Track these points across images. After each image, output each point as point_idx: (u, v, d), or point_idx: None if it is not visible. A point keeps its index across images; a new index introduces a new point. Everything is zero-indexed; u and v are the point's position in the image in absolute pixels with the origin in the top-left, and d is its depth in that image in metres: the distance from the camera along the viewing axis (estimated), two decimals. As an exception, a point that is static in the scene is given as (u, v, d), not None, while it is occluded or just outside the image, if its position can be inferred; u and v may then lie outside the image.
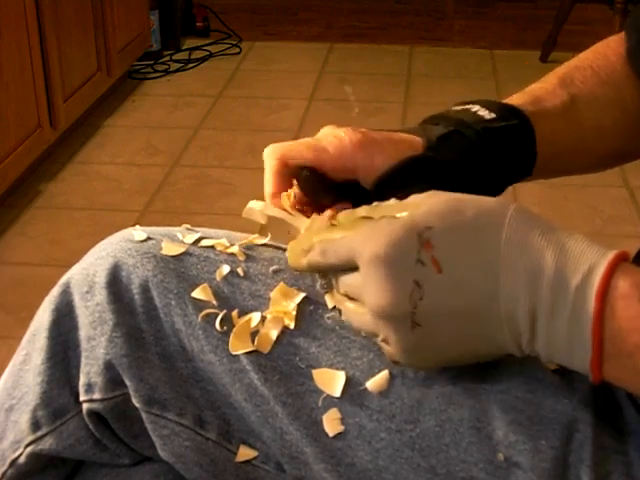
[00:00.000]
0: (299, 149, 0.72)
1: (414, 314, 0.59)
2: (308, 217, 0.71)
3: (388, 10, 4.25)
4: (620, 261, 0.56)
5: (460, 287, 0.58)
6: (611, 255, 0.56)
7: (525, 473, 0.66)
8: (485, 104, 0.75)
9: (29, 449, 0.78)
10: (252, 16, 4.18)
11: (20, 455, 0.79)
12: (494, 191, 0.76)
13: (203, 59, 3.72)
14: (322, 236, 0.65)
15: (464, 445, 0.67)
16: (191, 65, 3.66)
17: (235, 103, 3.28)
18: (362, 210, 0.65)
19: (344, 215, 0.67)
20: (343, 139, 0.72)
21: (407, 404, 0.69)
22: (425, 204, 0.60)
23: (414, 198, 0.62)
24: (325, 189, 0.72)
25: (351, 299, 0.64)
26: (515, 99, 0.79)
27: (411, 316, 0.59)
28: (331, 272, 0.66)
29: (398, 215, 0.61)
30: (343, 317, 0.67)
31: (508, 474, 0.66)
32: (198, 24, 3.92)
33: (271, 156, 0.73)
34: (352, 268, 0.63)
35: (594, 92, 0.82)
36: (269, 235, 0.82)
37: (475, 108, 0.74)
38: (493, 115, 0.74)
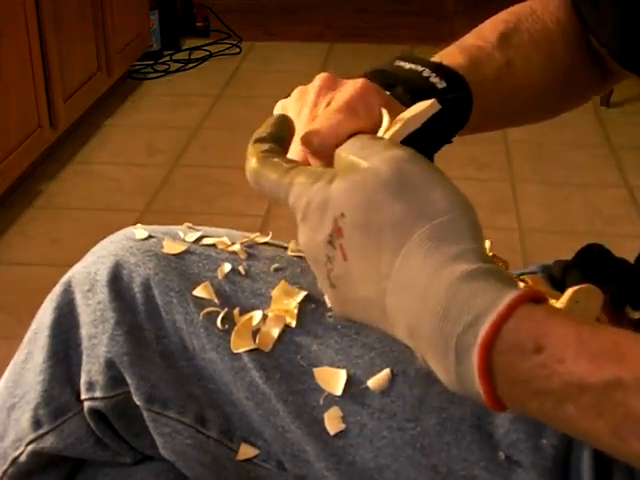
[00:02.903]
0: (340, 123, 0.64)
1: (328, 277, 0.57)
2: None
3: (388, 10, 4.26)
4: (518, 304, 0.49)
5: (359, 283, 0.55)
6: (506, 300, 0.49)
7: (526, 472, 0.66)
8: (433, 69, 0.74)
9: (30, 447, 0.78)
10: (252, 16, 4.18)
11: (21, 454, 0.79)
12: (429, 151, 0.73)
13: (203, 59, 3.72)
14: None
15: (465, 443, 0.67)
16: (191, 65, 3.66)
17: (235, 103, 3.29)
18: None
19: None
20: (371, 95, 0.67)
21: (408, 402, 0.69)
22: (351, 185, 0.55)
23: (370, 158, 0.56)
24: None
25: None
26: (457, 57, 0.78)
27: (327, 277, 0.57)
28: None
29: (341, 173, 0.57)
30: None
31: (509, 472, 0.66)
32: (198, 24, 3.92)
33: (321, 152, 0.63)
34: None
35: (529, 56, 0.83)
36: (270, 234, 0.82)
37: (426, 73, 0.73)
38: (444, 85, 0.73)
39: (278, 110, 0.71)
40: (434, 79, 0.73)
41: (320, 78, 0.69)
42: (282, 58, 3.72)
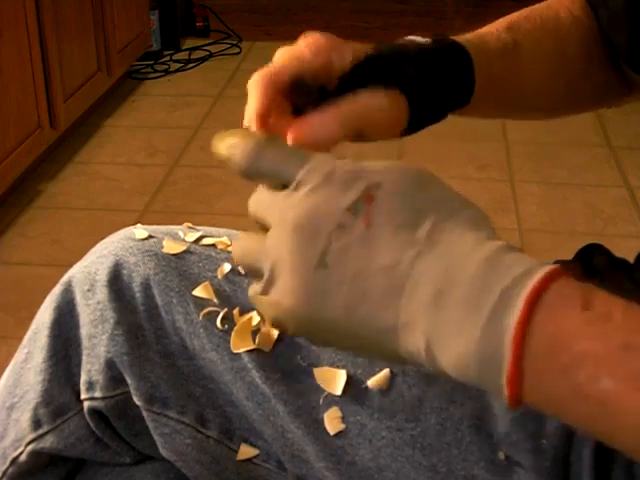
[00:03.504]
0: (283, 64, 0.66)
1: (325, 253, 0.52)
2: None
3: (388, 10, 4.25)
4: (562, 273, 0.48)
5: (379, 249, 0.51)
6: (551, 266, 0.48)
7: (526, 472, 0.66)
8: (419, 35, 0.73)
9: (30, 447, 0.78)
10: (252, 16, 4.18)
11: (21, 453, 0.78)
12: (435, 116, 0.73)
13: (203, 59, 3.72)
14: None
15: (465, 443, 0.67)
16: (191, 65, 3.66)
17: (235, 103, 3.28)
18: None
19: None
20: (318, 39, 0.67)
21: (408, 402, 0.69)
22: (391, 164, 0.54)
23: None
24: (312, 93, 0.68)
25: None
26: (461, 37, 0.77)
27: (321, 253, 0.52)
28: (254, 177, 0.58)
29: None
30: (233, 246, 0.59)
31: (509, 473, 0.66)
32: (198, 24, 3.92)
33: (259, 82, 0.66)
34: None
35: (538, 40, 0.82)
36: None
37: (410, 37, 0.72)
38: (429, 41, 0.71)
39: None
40: (419, 39, 0.71)
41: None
42: (282, 58, 3.72)
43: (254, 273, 0.56)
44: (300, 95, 0.67)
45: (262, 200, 0.58)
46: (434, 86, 0.70)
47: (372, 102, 0.66)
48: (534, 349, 0.46)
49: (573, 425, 0.49)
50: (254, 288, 0.56)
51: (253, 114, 0.65)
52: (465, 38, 0.76)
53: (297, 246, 0.53)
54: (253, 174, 0.58)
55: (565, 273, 0.48)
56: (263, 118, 0.64)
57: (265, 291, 0.54)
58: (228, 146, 0.59)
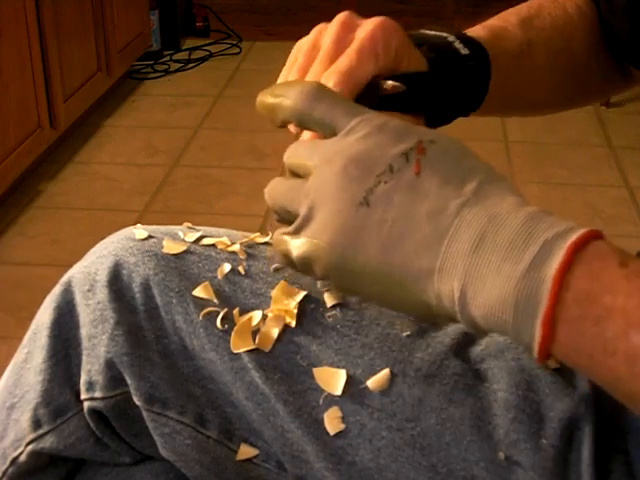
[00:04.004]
0: (366, 67, 0.65)
1: (371, 191, 0.53)
2: None
3: (388, 10, 4.25)
4: (601, 235, 0.50)
5: (426, 196, 0.52)
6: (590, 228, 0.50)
7: (526, 472, 0.66)
8: (457, 36, 0.74)
9: (30, 447, 0.78)
10: (252, 16, 4.18)
11: (21, 453, 0.78)
12: (444, 123, 0.74)
13: (203, 59, 3.73)
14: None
15: (465, 444, 0.67)
16: (191, 65, 3.66)
17: (235, 103, 3.29)
18: None
19: None
20: (378, 34, 0.67)
21: (408, 402, 0.68)
22: (442, 134, 0.56)
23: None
24: (376, 97, 0.67)
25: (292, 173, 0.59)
26: (479, 32, 0.79)
27: (366, 191, 0.53)
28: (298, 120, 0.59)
29: None
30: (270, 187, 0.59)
31: (509, 473, 0.66)
32: (198, 24, 3.92)
33: (340, 77, 0.64)
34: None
35: (549, 39, 0.83)
36: (270, 234, 0.82)
37: (451, 39, 0.74)
38: (467, 51, 0.73)
39: (294, 52, 0.71)
40: (458, 45, 0.73)
41: (338, 18, 0.68)
42: (282, 58, 3.68)
43: (285, 216, 0.57)
44: (366, 97, 0.66)
45: (303, 147, 0.59)
46: (452, 101, 0.73)
47: None
48: (571, 296, 0.48)
49: (600, 384, 0.50)
50: (281, 230, 0.57)
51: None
52: (484, 38, 0.77)
53: (342, 183, 0.54)
54: (306, 117, 0.58)
55: (603, 236, 0.50)
56: None
57: (297, 230, 0.56)
58: (284, 89, 0.60)
